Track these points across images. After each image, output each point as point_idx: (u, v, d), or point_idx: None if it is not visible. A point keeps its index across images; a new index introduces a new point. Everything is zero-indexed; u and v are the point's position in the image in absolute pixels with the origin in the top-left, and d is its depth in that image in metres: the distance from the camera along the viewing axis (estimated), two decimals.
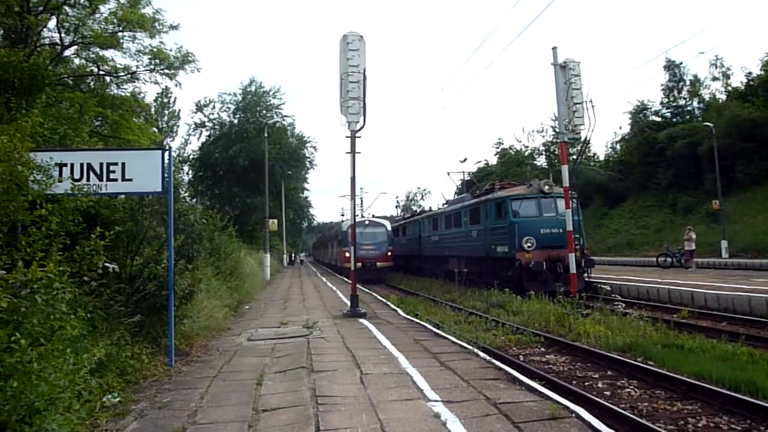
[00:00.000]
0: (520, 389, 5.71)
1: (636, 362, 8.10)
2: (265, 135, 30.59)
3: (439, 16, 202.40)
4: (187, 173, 38.78)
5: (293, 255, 62.85)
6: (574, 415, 4.74)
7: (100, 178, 6.52)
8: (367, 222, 30.95)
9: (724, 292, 13.31)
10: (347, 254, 14.40)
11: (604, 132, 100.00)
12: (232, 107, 38.67)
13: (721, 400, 6.17)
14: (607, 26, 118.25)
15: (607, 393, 6.93)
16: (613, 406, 6.02)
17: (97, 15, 17.57)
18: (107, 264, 5.37)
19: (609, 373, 7.94)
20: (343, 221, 36.05)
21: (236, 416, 4.93)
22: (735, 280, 16.38)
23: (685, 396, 6.58)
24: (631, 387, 7.15)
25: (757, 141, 31.93)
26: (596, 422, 4.54)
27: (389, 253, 29.65)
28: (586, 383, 7.45)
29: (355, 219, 14.19)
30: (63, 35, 17.37)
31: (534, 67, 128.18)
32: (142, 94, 23.32)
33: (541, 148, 56.53)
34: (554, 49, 14.20)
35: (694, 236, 22.78)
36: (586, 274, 16.93)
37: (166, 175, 6.85)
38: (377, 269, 28.54)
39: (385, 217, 45.08)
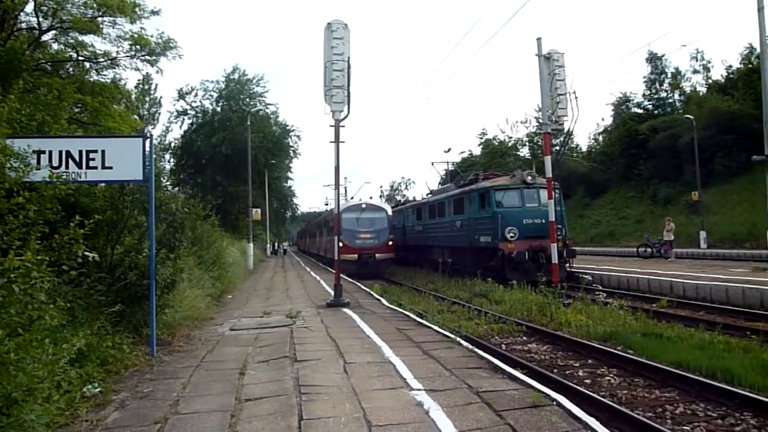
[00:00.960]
0: (502, 378, 5.77)
1: (616, 351, 8.24)
2: (248, 123, 30.27)
3: (424, 6, 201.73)
4: (169, 161, 38.24)
5: (276, 245, 62.61)
6: (555, 402, 4.80)
7: (80, 166, 6.39)
8: (363, 206, 25.35)
9: (702, 282, 13.56)
10: (341, 244, 14.18)
11: (587, 123, 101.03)
12: (215, 95, 38.14)
13: (699, 388, 6.30)
14: (590, 18, 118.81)
15: (588, 381, 7.04)
16: (593, 394, 6.13)
17: None
18: (87, 253, 5.30)
19: (589, 361, 8.06)
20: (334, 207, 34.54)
21: (219, 406, 4.91)
22: (713, 270, 16.69)
23: (663, 384, 6.70)
24: (611, 375, 7.28)
25: (736, 133, 32.38)
26: (576, 410, 4.60)
27: (390, 243, 24.74)
28: (567, 372, 7.55)
29: (339, 209, 14.15)
30: (41, 19, 16.92)
31: (518, 58, 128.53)
32: (122, 81, 22.86)
33: (525, 138, 57.01)
34: (539, 40, 14.22)
35: (673, 227, 23.17)
36: (567, 264, 17.13)
37: (147, 163, 6.74)
38: (376, 261, 23.91)
39: None
